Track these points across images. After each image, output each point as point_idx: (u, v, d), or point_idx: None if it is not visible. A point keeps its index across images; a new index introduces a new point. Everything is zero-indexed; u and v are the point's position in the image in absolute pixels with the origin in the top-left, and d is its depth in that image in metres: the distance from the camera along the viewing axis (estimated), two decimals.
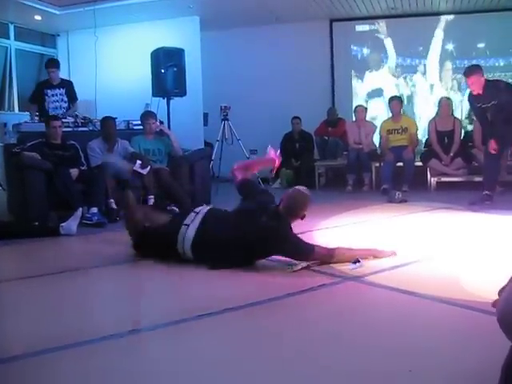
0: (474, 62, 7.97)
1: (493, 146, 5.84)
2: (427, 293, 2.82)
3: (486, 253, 3.77)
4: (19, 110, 9.55)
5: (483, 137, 6.37)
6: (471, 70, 6.00)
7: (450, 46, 9.65)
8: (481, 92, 5.91)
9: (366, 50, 10.01)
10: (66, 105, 7.29)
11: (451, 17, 9.52)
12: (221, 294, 3.01)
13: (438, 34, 9.59)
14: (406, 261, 3.54)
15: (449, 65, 9.72)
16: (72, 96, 7.41)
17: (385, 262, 3.51)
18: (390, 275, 3.25)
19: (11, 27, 9.56)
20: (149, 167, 6.11)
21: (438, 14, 9.53)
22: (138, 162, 6.09)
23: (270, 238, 3.44)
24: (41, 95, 7.27)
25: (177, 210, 6.08)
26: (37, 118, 6.74)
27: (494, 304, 1.51)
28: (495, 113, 5.86)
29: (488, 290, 2.47)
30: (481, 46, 9.46)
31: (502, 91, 5.90)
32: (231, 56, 10.17)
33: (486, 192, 6.00)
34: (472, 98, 6.16)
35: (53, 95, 7.24)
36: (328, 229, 4.87)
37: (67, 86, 7.40)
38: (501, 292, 1.51)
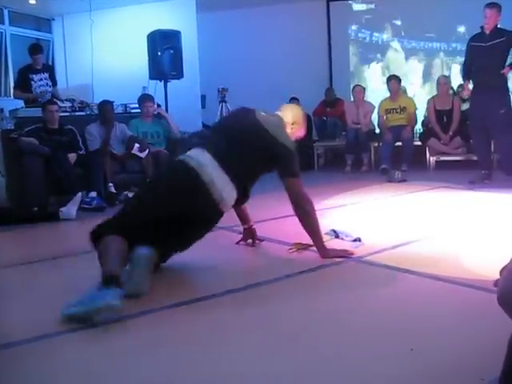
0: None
1: (466, 90, 5.99)
2: (428, 272, 2.83)
3: (486, 231, 3.77)
4: (14, 97, 9.51)
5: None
6: (494, 4, 5.94)
7: (446, 26, 9.58)
8: (489, 30, 5.89)
9: (363, 30, 9.94)
10: (50, 89, 7.23)
11: None
12: (220, 276, 3.02)
13: (437, 14, 9.51)
14: (406, 240, 3.54)
15: (444, 45, 9.66)
16: (54, 80, 7.37)
17: (385, 241, 3.51)
18: (391, 255, 3.25)
19: (5, 12, 9.48)
20: (147, 150, 6.11)
21: None
22: (137, 145, 6.08)
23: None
24: (26, 80, 7.17)
25: None
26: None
27: (496, 283, 1.51)
28: (496, 51, 5.83)
29: (489, 268, 2.48)
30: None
31: (511, 33, 5.92)
32: (228, 37, 10.10)
33: (484, 171, 6.02)
34: (475, 37, 6.10)
35: (39, 79, 7.18)
36: (328, 209, 4.85)
37: (50, 70, 7.41)
38: (502, 271, 1.51)
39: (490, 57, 5.86)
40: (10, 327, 2.41)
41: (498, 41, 5.84)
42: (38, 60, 7.23)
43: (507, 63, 5.89)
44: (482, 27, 6.00)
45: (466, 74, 6.23)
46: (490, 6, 5.92)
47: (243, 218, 3.65)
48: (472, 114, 6.34)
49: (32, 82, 7.14)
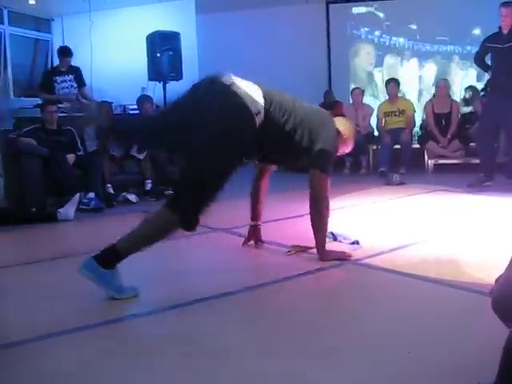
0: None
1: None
2: (426, 275, 2.83)
3: (485, 234, 3.78)
4: (14, 96, 9.51)
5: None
6: (509, 2, 5.86)
7: (446, 27, 9.59)
8: (507, 30, 5.81)
9: (362, 32, 9.94)
10: (75, 90, 7.33)
11: None
12: (218, 278, 3.01)
13: (436, 15, 9.51)
14: (404, 243, 3.54)
15: (443, 47, 9.67)
16: (80, 82, 7.43)
17: (383, 244, 3.51)
18: (389, 257, 3.25)
19: (5, 12, 9.47)
20: (145, 152, 6.11)
21: None
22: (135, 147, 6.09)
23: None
24: (50, 82, 7.29)
25: None
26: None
27: (491, 292, 1.50)
28: None
29: (487, 272, 2.49)
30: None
31: None
32: (227, 39, 10.10)
33: (483, 174, 6.02)
34: (491, 38, 6.02)
35: (62, 81, 7.28)
36: None
37: (75, 71, 7.43)
38: (497, 280, 1.50)
39: (507, 58, 5.77)
40: (8, 328, 2.41)
41: None
42: (64, 62, 7.33)
43: None
44: (499, 27, 5.91)
45: (477, 60, 6.22)
46: (505, 4, 5.84)
47: (256, 211, 3.69)
48: (485, 114, 6.26)
49: (55, 84, 7.24)
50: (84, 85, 7.47)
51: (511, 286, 1.39)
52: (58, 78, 7.29)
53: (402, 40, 9.80)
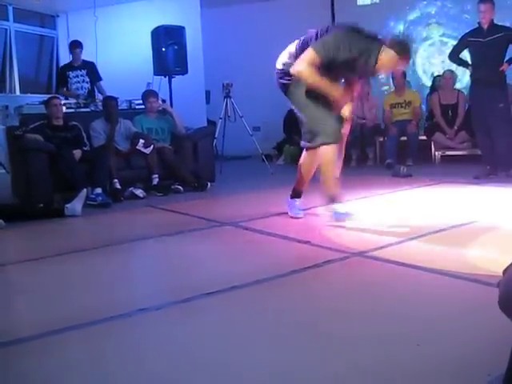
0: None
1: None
2: (434, 267, 2.81)
3: (492, 226, 3.75)
4: (20, 92, 9.52)
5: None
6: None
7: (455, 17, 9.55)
8: (486, 25, 5.94)
9: (367, 24, 9.88)
10: (87, 85, 7.47)
11: None
12: (222, 270, 3.02)
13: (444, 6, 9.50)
14: (411, 235, 3.53)
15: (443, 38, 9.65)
16: (95, 76, 7.56)
17: (391, 236, 3.50)
18: (396, 250, 3.24)
19: (10, 9, 9.47)
20: (152, 146, 6.12)
21: None
22: (141, 140, 6.09)
23: None
24: (64, 78, 7.47)
25: (181, 189, 6.09)
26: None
27: (499, 284, 1.48)
28: (495, 46, 5.86)
29: (495, 263, 2.47)
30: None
31: (508, 29, 6.05)
32: (232, 33, 10.08)
33: (488, 166, 6.04)
34: (472, 32, 6.13)
35: (74, 76, 7.43)
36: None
37: (89, 67, 7.55)
38: (505, 271, 1.47)
39: (488, 52, 5.89)
40: (17, 324, 2.42)
41: (496, 36, 5.87)
42: (76, 56, 7.47)
43: (505, 59, 5.92)
44: (478, 23, 6.05)
45: (452, 56, 6.33)
46: (483, 0, 5.97)
47: None
48: (473, 109, 6.37)
49: (68, 79, 7.41)
50: (99, 79, 7.59)
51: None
52: (70, 73, 7.45)
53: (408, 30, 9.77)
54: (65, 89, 7.45)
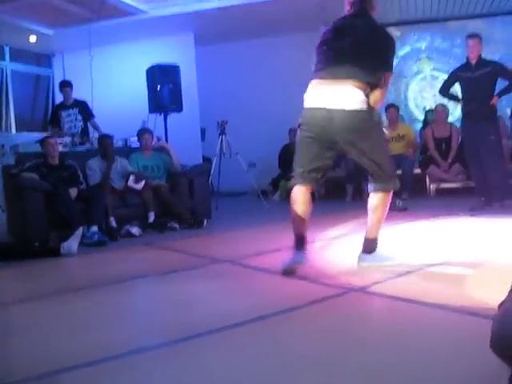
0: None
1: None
2: (431, 301, 2.80)
3: (489, 258, 3.75)
4: (16, 131, 9.57)
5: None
6: (474, 34, 6.16)
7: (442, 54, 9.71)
8: (475, 60, 6.06)
9: None
10: (80, 123, 7.52)
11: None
12: (221, 308, 2.99)
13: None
14: (409, 269, 3.52)
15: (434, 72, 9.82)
16: (87, 114, 7.60)
17: (389, 271, 3.49)
18: (394, 284, 3.23)
19: (6, 49, 9.61)
20: (143, 181, 6.14)
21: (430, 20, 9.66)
22: (131, 177, 6.12)
23: None
24: (57, 117, 7.54)
25: (177, 226, 6.08)
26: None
27: (493, 319, 1.46)
28: (485, 80, 5.97)
29: (493, 296, 2.46)
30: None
31: (496, 63, 6.20)
32: (227, 70, 10.19)
33: (483, 198, 6.08)
34: (462, 68, 6.25)
35: (67, 115, 7.50)
36: (330, 239, 4.86)
37: (81, 105, 7.60)
38: (500, 306, 1.46)
39: (478, 86, 5.99)
40: (13, 364, 2.39)
41: (485, 71, 5.98)
42: (66, 95, 7.53)
43: (495, 92, 6.04)
44: (467, 58, 6.18)
45: (443, 91, 6.46)
46: (471, 36, 6.13)
47: None
48: (465, 141, 6.45)
49: (60, 118, 7.47)
50: (92, 116, 7.61)
51: (507, 324, 1.33)
52: (62, 112, 7.50)
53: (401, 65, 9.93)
54: (57, 128, 7.48)
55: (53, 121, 7.66)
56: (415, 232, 5.14)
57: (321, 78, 3.48)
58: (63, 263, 4.79)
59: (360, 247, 3.70)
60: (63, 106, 7.61)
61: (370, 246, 3.68)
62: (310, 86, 3.55)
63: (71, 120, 7.47)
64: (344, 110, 3.34)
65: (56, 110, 7.69)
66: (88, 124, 7.58)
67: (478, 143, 6.06)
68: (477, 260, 3.70)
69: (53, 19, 8.76)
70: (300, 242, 3.57)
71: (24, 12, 8.21)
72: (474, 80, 6.00)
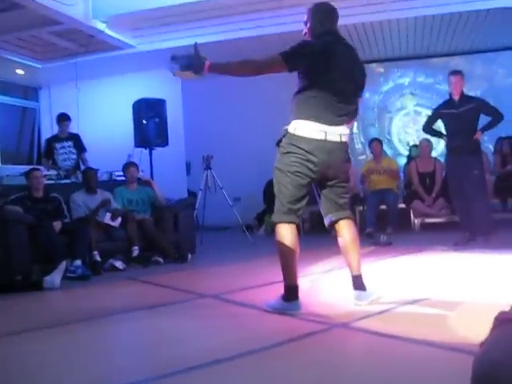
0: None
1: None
2: (415, 337, 2.80)
3: (473, 293, 3.77)
4: (1, 163, 9.54)
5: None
6: (457, 71, 6.29)
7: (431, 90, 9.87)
8: (457, 96, 6.16)
9: None
10: (74, 156, 7.60)
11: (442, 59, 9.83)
12: (208, 343, 2.97)
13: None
14: (394, 305, 3.52)
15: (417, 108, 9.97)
16: (80, 148, 7.67)
17: (372, 306, 3.49)
18: (377, 320, 3.23)
19: None
20: (119, 218, 6.12)
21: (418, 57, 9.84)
22: (107, 214, 6.08)
23: None
24: (51, 149, 7.57)
25: (161, 260, 6.05)
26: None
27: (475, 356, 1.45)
28: (468, 117, 6.07)
29: (478, 331, 2.46)
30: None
31: (478, 99, 6.35)
32: (213, 105, 10.28)
33: (468, 233, 6.12)
34: (445, 104, 6.36)
35: (61, 148, 7.56)
36: (314, 274, 4.86)
37: (74, 138, 7.68)
38: (482, 344, 1.45)
39: (462, 122, 6.08)
40: None
41: (468, 107, 6.08)
42: (63, 128, 7.61)
43: (478, 128, 6.12)
44: (450, 94, 6.29)
45: (426, 128, 6.56)
46: (453, 73, 6.25)
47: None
48: (449, 176, 6.50)
49: (55, 151, 7.52)
50: (84, 150, 7.66)
51: (487, 361, 1.31)
52: (57, 144, 7.56)
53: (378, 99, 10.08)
54: (50, 161, 7.50)
55: (47, 153, 7.67)
56: (399, 267, 5.15)
57: (322, 122, 3.37)
58: (46, 297, 4.73)
59: (351, 285, 3.63)
60: (57, 138, 7.66)
61: (362, 283, 3.60)
62: (309, 119, 3.38)
63: (65, 152, 7.52)
64: (341, 142, 3.43)
65: (50, 142, 7.69)
66: (79, 158, 7.61)
67: (462, 178, 6.13)
68: (460, 296, 3.72)
69: (41, 53, 8.83)
70: (293, 293, 3.44)
71: (12, 45, 8.27)
72: (458, 116, 6.10)
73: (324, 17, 3.55)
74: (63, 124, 7.60)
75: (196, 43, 3.43)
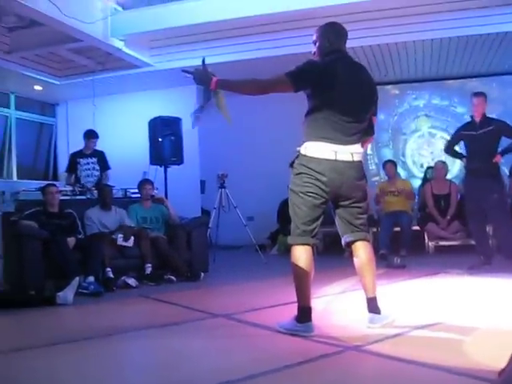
0: None
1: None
2: (430, 361, 2.76)
3: (488, 318, 3.73)
4: (18, 178, 9.62)
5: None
6: (480, 93, 6.24)
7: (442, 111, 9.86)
8: (479, 118, 6.09)
9: None
10: (97, 173, 7.64)
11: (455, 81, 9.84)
12: (218, 366, 2.95)
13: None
14: (407, 328, 3.49)
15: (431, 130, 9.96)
16: (104, 165, 7.72)
17: (386, 329, 3.46)
18: (392, 343, 3.20)
19: (12, 97, 9.75)
20: (132, 238, 6.11)
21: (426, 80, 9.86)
22: (119, 236, 6.08)
23: None
24: (74, 164, 7.64)
25: (174, 279, 6.05)
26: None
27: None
28: (488, 139, 6.00)
29: (493, 357, 2.44)
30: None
31: (500, 122, 6.21)
32: (228, 124, 10.28)
33: (482, 256, 6.05)
34: (466, 126, 6.30)
35: (85, 164, 7.61)
36: (328, 296, 4.83)
37: (99, 155, 7.73)
38: (501, 373, 1.43)
39: (481, 145, 6.02)
40: None
41: (488, 129, 6.02)
42: (89, 145, 7.66)
43: (498, 150, 6.06)
44: (471, 116, 6.24)
45: (448, 149, 6.52)
46: (476, 94, 6.20)
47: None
48: (467, 198, 6.40)
49: (78, 166, 7.58)
50: (108, 168, 7.71)
51: None
52: (81, 160, 7.62)
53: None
54: (73, 176, 7.57)
55: (70, 168, 7.72)
56: (413, 290, 5.11)
57: (332, 142, 3.36)
58: (58, 313, 4.74)
59: (365, 307, 3.59)
60: (82, 154, 7.71)
61: (376, 306, 3.55)
62: (319, 140, 3.39)
63: (89, 168, 7.59)
64: (353, 161, 3.41)
65: (74, 157, 7.74)
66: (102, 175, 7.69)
67: (480, 200, 6.06)
68: (475, 321, 3.67)
69: (59, 69, 8.94)
70: (306, 315, 3.42)
71: (31, 62, 8.38)
72: (478, 138, 6.04)
73: (334, 36, 3.55)
74: (90, 141, 7.67)
75: (204, 58, 3.46)
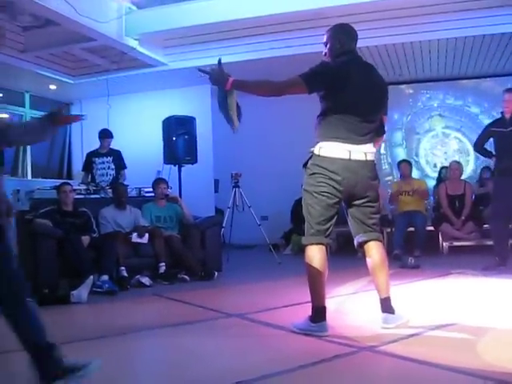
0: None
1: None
2: (444, 363, 2.75)
3: (503, 319, 3.70)
4: (32, 177, 9.67)
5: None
6: None
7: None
8: (509, 115, 5.90)
9: None
10: (112, 172, 7.64)
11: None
12: (231, 366, 2.95)
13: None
14: (421, 329, 3.47)
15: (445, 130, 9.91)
16: (120, 164, 7.72)
17: (400, 330, 3.44)
18: (406, 344, 3.18)
19: (27, 96, 9.80)
20: (146, 234, 6.12)
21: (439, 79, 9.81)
22: (134, 234, 6.09)
23: None
24: (90, 163, 7.66)
25: (188, 278, 6.05)
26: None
27: None
28: None
29: (507, 359, 2.42)
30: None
31: None
32: (242, 123, 10.26)
33: (497, 257, 5.97)
34: (495, 122, 6.16)
35: (100, 163, 7.63)
36: (341, 296, 4.82)
37: (115, 154, 7.75)
38: None
39: (511, 141, 5.84)
40: None
41: None
42: (104, 144, 7.69)
43: None
44: (502, 113, 6.07)
45: (476, 146, 6.35)
46: (508, 90, 6.02)
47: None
48: (494, 198, 6.21)
49: (93, 165, 7.60)
50: (124, 167, 7.73)
51: None
52: (97, 159, 7.65)
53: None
54: (89, 175, 7.60)
55: (86, 167, 7.75)
56: (427, 290, 5.09)
57: (346, 141, 3.37)
58: (72, 311, 4.77)
59: (379, 308, 3.56)
60: (98, 153, 7.74)
61: (390, 306, 3.54)
62: (332, 140, 3.40)
63: (104, 167, 7.61)
64: (366, 160, 3.42)
65: (90, 156, 7.78)
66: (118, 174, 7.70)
67: (509, 201, 5.88)
68: (489, 322, 3.65)
69: (73, 69, 8.98)
70: (321, 314, 3.42)
71: (45, 61, 8.42)
72: (508, 135, 5.86)
73: (345, 37, 3.55)
74: (105, 140, 7.70)
75: (220, 59, 3.47)
